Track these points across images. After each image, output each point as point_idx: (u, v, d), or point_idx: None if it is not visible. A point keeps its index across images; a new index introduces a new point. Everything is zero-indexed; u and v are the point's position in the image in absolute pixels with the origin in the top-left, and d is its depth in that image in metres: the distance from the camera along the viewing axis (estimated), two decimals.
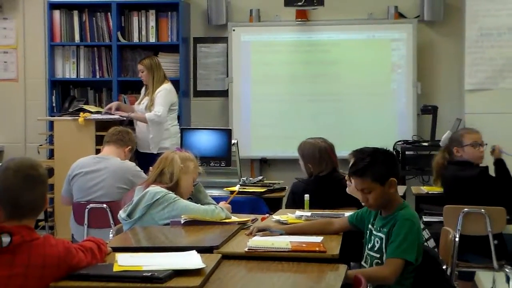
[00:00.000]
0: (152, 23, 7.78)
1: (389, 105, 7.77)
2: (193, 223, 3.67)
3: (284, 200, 5.39)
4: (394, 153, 3.90)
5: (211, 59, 8.08)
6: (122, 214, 3.89)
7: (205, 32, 8.08)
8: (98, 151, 5.87)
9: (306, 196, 4.35)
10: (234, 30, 7.87)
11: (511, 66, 7.38)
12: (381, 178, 3.24)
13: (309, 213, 3.78)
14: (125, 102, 7.73)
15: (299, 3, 7.05)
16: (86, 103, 7.69)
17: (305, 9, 7.53)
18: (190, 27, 8.05)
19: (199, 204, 3.91)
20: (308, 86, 7.83)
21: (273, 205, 5.18)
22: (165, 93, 6.91)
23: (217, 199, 4.83)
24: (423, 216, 5.23)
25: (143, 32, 7.79)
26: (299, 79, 7.85)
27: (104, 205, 4.97)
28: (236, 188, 5.32)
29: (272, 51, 7.88)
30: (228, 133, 5.63)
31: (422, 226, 3.74)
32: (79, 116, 6.89)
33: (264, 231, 3.43)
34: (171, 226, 3.71)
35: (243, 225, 3.71)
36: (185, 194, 4.00)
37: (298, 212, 3.86)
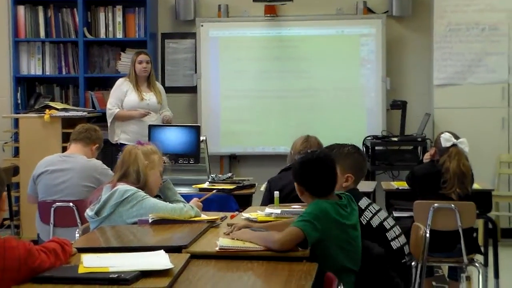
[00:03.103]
0: (119, 18, 7.69)
1: (359, 100, 7.76)
2: (161, 222, 3.61)
3: (254, 197, 5.34)
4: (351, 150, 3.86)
5: (179, 55, 8.01)
6: (89, 212, 3.81)
7: (173, 27, 8.00)
8: (64, 149, 5.76)
9: (276, 193, 4.29)
10: (202, 25, 7.80)
11: (479, 61, 7.41)
12: (297, 183, 3.30)
13: (278, 211, 3.73)
14: (92, 100, 7.62)
15: None
16: (52, 100, 7.58)
17: (274, 4, 7.48)
18: (157, 23, 7.97)
19: (167, 203, 3.84)
20: (277, 82, 7.79)
21: (243, 202, 5.11)
22: (165, 93, 6.99)
23: (187, 197, 4.77)
24: (393, 212, 5.22)
25: (110, 28, 7.70)
26: (268, 75, 7.81)
27: (71, 204, 4.88)
28: (206, 185, 5.29)
29: (241, 46, 7.82)
30: (196, 129, 5.55)
31: (392, 222, 3.71)
32: (45, 113, 6.78)
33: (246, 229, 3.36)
34: (138, 225, 3.64)
35: (212, 224, 3.64)
36: (154, 189, 3.94)
37: (268, 209, 3.81)
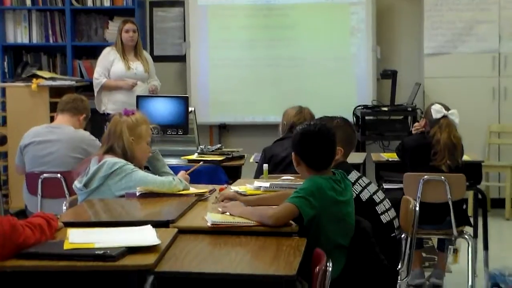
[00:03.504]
0: None
1: (349, 69, 7.71)
2: (149, 195, 3.57)
3: (244, 169, 5.31)
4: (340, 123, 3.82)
5: (167, 23, 7.92)
6: (77, 184, 3.78)
7: None
8: (52, 118, 5.72)
9: (265, 166, 4.26)
10: None
11: (470, 30, 7.36)
12: (295, 155, 3.25)
13: (267, 184, 3.70)
14: (79, 68, 7.54)
15: None
16: (40, 68, 7.50)
17: None
18: None
19: (156, 176, 3.80)
20: (267, 51, 7.73)
21: (232, 174, 5.08)
22: (152, 62, 6.90)
23: (175, 168, 4.73)
24: (383, 184, 5.19)
25: None
26: (257, 44, 7.74)
27: (58, 175, 4.82)
28: (194, 156, 5.24)
29: (230, 15, 7.74)
30: (185, 100, 5.49)
31: (382, 196, 3.69)
32: (32, 83, 6.71)
33: (232, 200, 3.34)
34: (126, 198, 3.60)
35: (200, 197, 3.61)
36: (142, 160, 3.90)
37: (257, 183, 3.77)
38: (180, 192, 3.67)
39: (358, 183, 3.65)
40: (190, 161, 5.10)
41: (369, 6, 7.56)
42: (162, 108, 5.41)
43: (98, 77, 6.73)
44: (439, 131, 4.83)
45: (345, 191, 3.21)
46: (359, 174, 3.73)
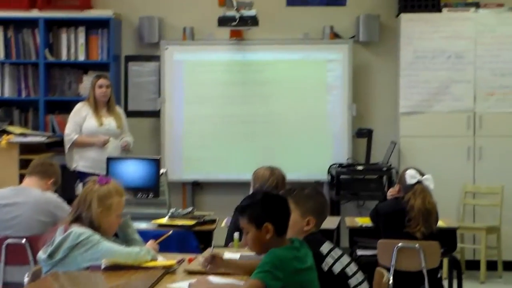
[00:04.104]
0: (81, 40, 7.52)
1: (325, 127, 7.66)
2: (115, 267, 3.46)
3: (215, 234, 5.20)
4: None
5: (143, 78, 7.86)
6: (42, 255, 3.65)
7: (137, 50, 7.86)
8: (22, 177, 5.57)
9: (236, 234, 4.16)
10: (167, 48, 7.66)
11: (445, 89, 7.36)
12: (256, 220, 3.12)
13: (237, 255, 3.60)
14: (52, 123, 7.43)
15: (233, 23, 6.87)
16: (11, 123, 7.36)
17: (239, 29, 7.36)
18: (121, 45, 7.82)
19: (123, 247, 3.68)
20: (242, 107, 7.67)
21: (204, 239, 4.98)
22: (125, 117, 6.85)
23: (145, 233, 4.63)
24: (357, 250, 5.11)
25: (72, 50, 7.52)
26: (233, 100, 7.68)
27: (23, 240, 4.67)
28: (165, 220, 5.13)
29: (206, 70, 7.69)
30: (156, 162, 5.39)
31: (355, 268, 3.59)
32: (2, 139, 6.58)
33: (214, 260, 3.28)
34: (91, 271, 3.49)
35: (168, 269, 3.50)
36: (109, 232, 3.78)
37: (227, 254, 3.67)
38: (147, 265, 3.56)
39: (331, 255, 3.55)
40: (160, 225, 5.00)
41: (346, 63, 7.56)
42: (133, 170, 5.31)
43: (70, 133, 6.65)
44: (413, 197, 4.78)
45: (306, 257, 3.17)
46: (331, 246, 3.64)
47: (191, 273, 3.45)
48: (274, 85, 7.66)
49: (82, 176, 6.50)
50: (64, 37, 7.52)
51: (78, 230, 3.60)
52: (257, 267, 3.05)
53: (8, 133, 6.75)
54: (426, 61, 7.38)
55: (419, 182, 4.84)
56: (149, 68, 7.85)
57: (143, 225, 5.01)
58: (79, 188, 5.83)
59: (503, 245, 7.13)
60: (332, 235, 5.15)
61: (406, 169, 4.96)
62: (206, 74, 7.69)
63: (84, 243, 3.56)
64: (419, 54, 7.39)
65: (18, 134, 6.78)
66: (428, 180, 4.86)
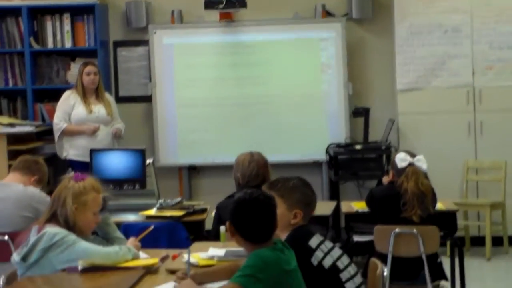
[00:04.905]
0: (67, 27, 7.33)
1: (320, 107, 7.47)
2: (93, 268, 3.29)
3: (206, 223, 5.02)
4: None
5: (132, 63, 7.67)
6: (16, 257, 3.48)
7: (125, 35, 7.66)
8: (10, 167, 5.42)
9: (222, 228, 3.99)
10: (155, 32, 7.46)
11: (442, 64, 7.18)
12: (232, 228, 2.96)
13: (222, 252, 3.43)
14: (41, 112, 7.26)
15: (220, 6, 6.66)
16: (0, 113, 7.21)
17: (227, 11, 7.15)
18: (108, 31, 7.62)
19: (101, 247, 3.50)
20: (235, 89, 7.48)
21: (194, 230, 4.81)
22: (115, 104, 6.72)
23: (131, 226, 4.48)
24: (353, 235, 4.94)
25: (58, 37, 7.34)
26: (225, 82, 7.49)
27: (6, 237, 4.51)
28: (153, 212, 4.96)
29: (196, 53, 7.50)
30: (141, 153, 5.21)
31: (347, 261, 3.42)
32: None
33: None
34: (67, 273, 3.32)
35: (149, 269, 3.33)
36: (86, 230, 3.60)
37: (211, 251, 3.50)
38: (127, 265, 3.38)
39: (320, 248, 3.36)
40: (148, 217, 4.82)
41: (339, 42, 7.35)
42: (118, 162, 5.14)
43: (59, 122, 6.51)
44: (406, 180, 4.60)
45: (290, 258, 2.98)
46: (321, 239, 3.44)
47: (173, 272, 3.27)
48: (268, 66, 7.47)
49: (73, 164, 6.38)
50: (49, 24, 7.33)
51: (52, 230, 3.43)
52: (239, 269, 2.87)
53: None
54: (422, 37, 7.18)
55: (410, 164, 4.65)
56: (138, 53, 7.66)
57: (131, 217, 4.85)
58: None
59: (508, 220, 6.96)
60: (327, 222, 4.98)
61: (397, 152, 4.79)
62: (196, 57, 7.50)
63: (59, 244, 3.39)
64: (414, 30, 7.19)
65: (6, 124, 6.62)
66: (420, 161, 4.66)
